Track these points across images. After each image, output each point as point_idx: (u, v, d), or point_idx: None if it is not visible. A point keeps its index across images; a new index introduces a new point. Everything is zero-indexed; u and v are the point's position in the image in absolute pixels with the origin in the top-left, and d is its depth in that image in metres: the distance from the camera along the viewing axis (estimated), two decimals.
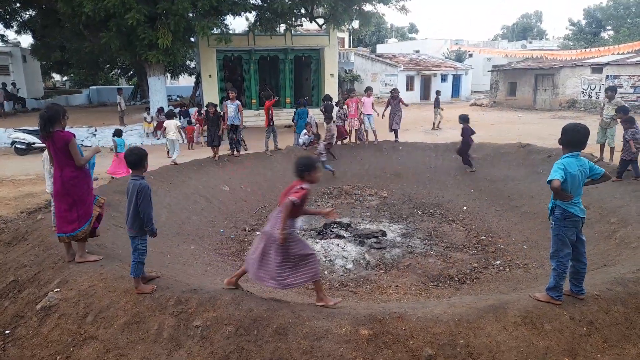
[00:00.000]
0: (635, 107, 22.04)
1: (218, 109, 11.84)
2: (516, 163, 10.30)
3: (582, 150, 3.78)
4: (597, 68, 24.81)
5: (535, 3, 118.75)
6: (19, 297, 4.23)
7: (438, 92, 21.09)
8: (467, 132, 10.53)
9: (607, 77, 24.18)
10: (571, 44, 44.92)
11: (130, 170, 4.23)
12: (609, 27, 45.77)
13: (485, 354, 3.39)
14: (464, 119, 10.67)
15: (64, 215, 4.60)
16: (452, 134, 15.88)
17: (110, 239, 5.63)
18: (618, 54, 24.40)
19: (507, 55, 31.56)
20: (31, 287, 4.32)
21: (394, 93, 12.94)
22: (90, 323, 3.78)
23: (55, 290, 4.15)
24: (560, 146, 3.84)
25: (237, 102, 11.11)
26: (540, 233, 7.14)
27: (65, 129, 4.68)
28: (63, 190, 4.57)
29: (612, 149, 9.41)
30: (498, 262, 6.69)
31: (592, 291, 3.96)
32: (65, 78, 46.61)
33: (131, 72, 37.12)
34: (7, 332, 3.87)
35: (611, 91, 9.65)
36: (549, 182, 3.57)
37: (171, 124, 10.53)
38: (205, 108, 12.25)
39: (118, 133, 11.11)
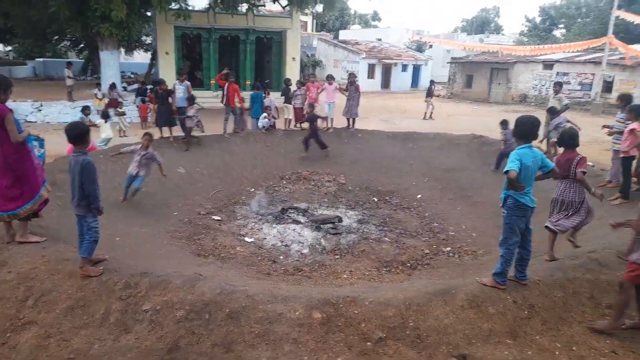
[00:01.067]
0: (581, 103, 23.25)
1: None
2: (469, 154, 10.63)
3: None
4: (548, 65, 25.87)
5: None
6: None
7: (432, 82, 21.04)
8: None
9: (557, 73, 25.28)
10: (526, 39, 46.59)
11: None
12: (562, 26, 47.78)
13: (433, 336, 3.51)
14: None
15: (5, 192, 4.33)
16: (439, 125, 16.17)
17: (55, 219, 5.37)
18: (568, 52, 25.52)
19: (465, 48, 32.28)
20: None
21: (351, 78, 12.76)
22: (30, 307, 3.60)
23: None
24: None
25: (187, 82, 10.69)
26: (488, 222, 7.43)
27: (6, 103, 4.37)
28: (5, 166, 4.30)
29: (555, 143, 9.88)
30: (448, 248, 6.91)
31: (534, 277, 4.18)
32: (9, 48, 43.55)
33: (82, 45, 35.17)
34: None
35: (558, 86, 10.16)
36: (506, 172, 3.67)
37: (106, 127, 10.12)
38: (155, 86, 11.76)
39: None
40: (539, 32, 47.90)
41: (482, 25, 63.80)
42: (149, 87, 16.85)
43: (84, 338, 3.33)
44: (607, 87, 23.08)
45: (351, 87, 12.43)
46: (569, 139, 4.85)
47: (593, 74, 23.60)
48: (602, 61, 22.00)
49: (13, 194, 4.34)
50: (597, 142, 12.41)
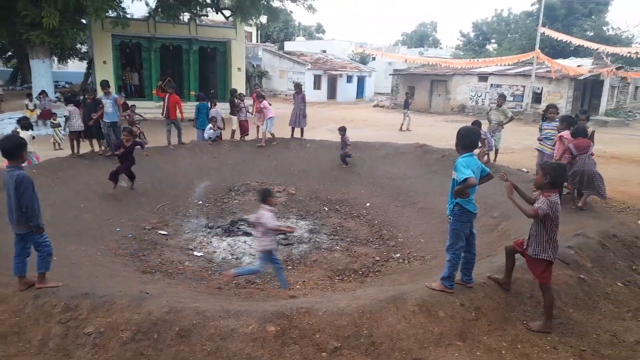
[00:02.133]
0: (515, 113, 24.69)
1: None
2: (413, 162, 10.97)
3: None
4: (483, 77, 27.38)
5: (431, 14, 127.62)
6: None
7: (407, 94, 21.48)
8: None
9: (492, 85, 26.80)
10: (462, 53, 49.10)
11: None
12: (493, 41, 50.84)
13: (386, 343, 3.56)
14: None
15: None
16: (387, 135, 16.43)
17: None
18: (501, 65, 27.15)
19: (406, 61, 33.44)
20: None
21: (297, 88, 12.78)
22: None
23: None
24: (455, 148, 4.14)
25: (114, 95, 9.98)
26: (434, 227, 7.68)
27: None
28: None
29: (496, 151, 10.45)
30: (398, 255, 7.07)
31: (479, 279, 4.36)
32: None
33: (9, 53, 32.98)
34: None
35: (501, 99, 10.75)
36: (465, 180, 3.76)
37: (26, 135, 9.36)
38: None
39: (28, 125, 9.64)
40: (473, 46, 50.72)
41: (421, 39, 66.59)
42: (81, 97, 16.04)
43: None
44: (537, 97, 24.78)
45: (297, 97, 12.48)
46: (583, 131, 6.89)
47: (524, 86, 25.23)
48: (531, 74, 23.58)
49: None
50: (530, 149, 13.23)
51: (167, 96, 11.11)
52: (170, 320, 3.45)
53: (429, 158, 10.89)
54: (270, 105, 12.13)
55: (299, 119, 12.51)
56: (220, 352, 3.28)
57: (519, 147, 14.69)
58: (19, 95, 21.00)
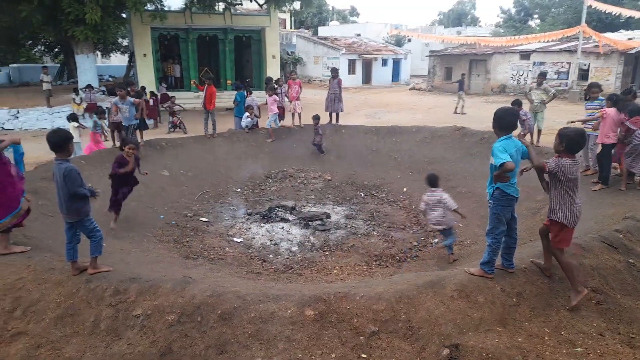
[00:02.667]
0: (559, 91, 23.61)
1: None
2: (452, 145, 10.74)
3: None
4: (525, 55, 26.26)
5: None
6: None
7: (463, 75, 21.12)
8: None
9: (534, 63, 25.69)
10: (502, 31, 47.21)
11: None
12: (536, 16, 48.54)
13: (425, 328, 3.55)
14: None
15: None
16: (423, 118, 16.23)
17: (38, 228, 5.27)
18: (544, 41, 25.95)
19: (443, 41, 32.57)
20: None
21: (333, 73, 12.67)
22: (18, 318, 3.53)
23: None
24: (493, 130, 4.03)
25: (130, 99, 9.61)
26: (474, 211, 7.53)
27: None
28: None
29: (539, 132, 10.07)
30: (436, 240, 6.98)
31: (521, 264, 4.26)
32: None
33: (57, 50, 34.45)
34: None
35: (541, 77, 10.32)
36: (502, 165, 3.69)
37: (73, 131, 9.87)
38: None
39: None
40: (515, 23, 48.61)
41: (458, 17, 64.44)
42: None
43: (75, 346, 3.29)
44: (583, 74, 23.55)
45: (333, 82, 12.40)
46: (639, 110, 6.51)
47: (569, 63, 24.04)
48: (577, 50, 22.42)
49: None
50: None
51: (205, 87, 11.33)
52: (213, 304, 3.58)
53: (467, 141, 10.63)
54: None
55: (334, 103, 12.44)
56: (261, 335, 3.38)
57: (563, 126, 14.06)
58: (66, 90, 21.96)
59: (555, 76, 24.53)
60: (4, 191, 4.30)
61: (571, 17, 34.87)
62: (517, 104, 9.77)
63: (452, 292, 3.90)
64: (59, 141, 3.85)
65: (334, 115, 12.64)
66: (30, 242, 4.72)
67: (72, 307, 3.61)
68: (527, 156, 3.98)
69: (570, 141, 3.84)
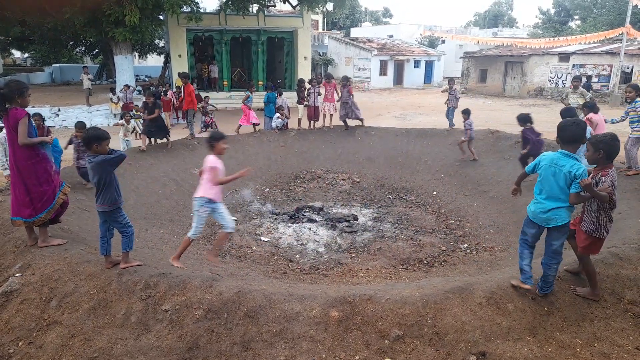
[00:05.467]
0: (599, 95, 22.80)
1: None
2: (485, 149, 10.51)
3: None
4: (564, 57, 25.44)
5: None
6: None
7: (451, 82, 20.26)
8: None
9: (574, 66, 24.86)
10: (540, 32, 45.87)
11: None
12: (577, 17, 46.94)
13: (451, 334, 3.49)
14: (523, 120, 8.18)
15: (20, 198, 4.42)
16: (509, 122, 16.01)
17: (75, 222, 5.47)
18: (584, 43, 25.06)
19: (478, 42, 31.90)
20: None
21: (345, 80, 12.31)
22: (54, 308, 3.68)
23: (16, 275, 4.02)
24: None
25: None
26: (506, 217, 7.35)
27: (26, 108, 4.47)
28: (17, 172, 4.39)
29: None
30: (465, 245, 6.86)
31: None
32: (26, 55, 44.44)
33: (96, 50, 35.72)
34: None
35: (577, 80, 10.00)
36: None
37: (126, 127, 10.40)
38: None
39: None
40: (554, 24, 47.16)
41: (495, 18, 63.05)
42: (163, 90, 17.02)
43: (107, 338, 3.40)
44: (626, 78, 22.62)
45: (344, 90, 12.05)
46: None
47: (610, 65, 23.15)
48: (620, 52, 21.55)
49: (26, 201, 4.42)
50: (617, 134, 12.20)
51: (183, 86, 11.65)
52: (239, 301, 3.63)
53: (501, 145, 10.38)
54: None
55: (350, 111, 12.04)
56: (286, 334, 3.40)
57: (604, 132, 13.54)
58: (105, 89, 22.74)
59: (596, 79, 23.66)
60: (41, 187, 4.47)
61: (614, 18, 33.56)
62: (466, 112, 9.99)
63: (480, 299, 3.81)
64: (85, 139, 4.00)
65: (348, 122, 12.44)
66: (68, 236, 4.90)
67: (105, 299, 3.74)
68: (576, 185, 3.54)
69: (609, 148, 3.66)
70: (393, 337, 3.41)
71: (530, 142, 7.89)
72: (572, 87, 9.97)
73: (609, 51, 23.60)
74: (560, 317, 3.72)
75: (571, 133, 3.59)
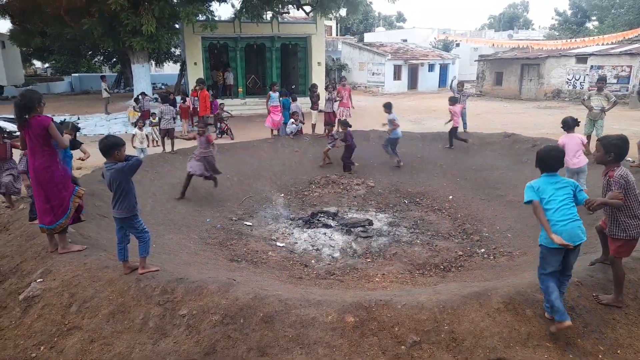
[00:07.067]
0: (618, 97, 22.32)
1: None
2: (501, 152, 10.41)
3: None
4: (581, 58, 25.05)
5: None
6: (0, 288, 4.16)
7: (453, 80, 20.59)
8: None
9: (592, 67, 24.45)
10: (557, 34, 45.28)
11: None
12: (594, 18, 46.22)
13: (468, 340, 3.45)
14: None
15: (42, 206, 4.52)
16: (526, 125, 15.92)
17: (94, 228, 5.57)
18: (602, 44, 24.65)
19: (493, 45, 31.66)
20: (13, 278, 4.26)
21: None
22: (74, 313, 3.74)
23: (38, 281, 4.10)
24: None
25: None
26: (524, 221, 7.24)
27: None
28: (37, 180, 4.48)
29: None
30: (483, 250, 6.77)
31: (574, 278, 4.05)
32: (47, 65, 45.56)
33: (114, 60, 36.44)
34: None
35: (601, 82, 9.81)
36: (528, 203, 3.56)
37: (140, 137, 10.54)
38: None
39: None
40: (571, 25, 46.49)
41: (510, 21, 62.45)
42: (178, 98, 17.25)
43: (125, 342, 3.44)
44: None
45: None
46: None
47: (630, 66, 22.70)
48: None
49: (47, 208, 4.51)
50: (637, 136, 11.94)
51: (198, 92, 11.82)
52: (255, 307, 3.64)
53: (518, 148, 10.27)
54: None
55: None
56: (302, 339, 3.40)
57: (625, 135, 13.26)
58: (122, 97, 23.17)
59: (615, 80, 23.22)
60: (60, 193, 4.56)
61: (633, 18, 32.98)
62: (388, 106, 10.65)
63: (498, 305, 3.76)
64: (105, 147, 4.06)
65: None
66: (87, 242, 4.99)
67: (123, 304, 3.79)
68: (582, 198, 3.56)
69: (620, 149, 3.68)
70: (410, 343, 3.39)
71: None
72: (597, 89, 9.77)
73: (629, 52, 23.15)
74: (581, 323, 3.65)
75: (548, 160, 3.57)
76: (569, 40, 26.89)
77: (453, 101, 11.21)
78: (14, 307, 3.85)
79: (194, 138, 8.51)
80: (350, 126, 10.74)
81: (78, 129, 5.34)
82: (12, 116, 14.52)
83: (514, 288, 3.93)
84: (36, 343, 3.48)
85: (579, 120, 7.12)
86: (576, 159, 6.78)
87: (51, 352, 3.38)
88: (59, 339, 3.50)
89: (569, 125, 6.91)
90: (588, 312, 3.75)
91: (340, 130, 11.00)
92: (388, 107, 10.61)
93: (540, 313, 3.70)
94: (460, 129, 11.60)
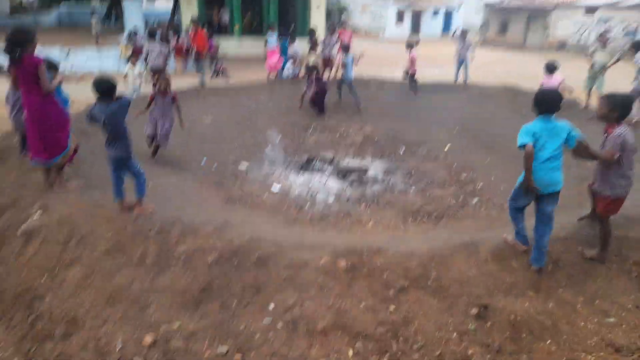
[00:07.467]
0: (625, 52, 21.79)
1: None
2: (501, 105, 10.31)
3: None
4: (591, 9, 24.25)
5: None
6: None
7: (457, 32, 20.09)
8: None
9: (599, 19, 23.73)
10: None
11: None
12: None
13: (454, 287, 3.59)
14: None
15: (35, 143, 4.48)
16: (528, 77, 15.64)
17: (87, 168, 5.55)
18: None
19: None
20: (11, 211, 4.28)
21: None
22: (73, 247, 3.81)
23: (36, 214, 4.14)
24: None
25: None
26: (519, 174, 7.28)
27: (36, 50, 4.42)
28: (32, 118, 4.41)
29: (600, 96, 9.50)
30: (476, 199, 6.87)
31: (561, 233, 4.17)
32: None
33: None
34: None
35: (604, 36, 9.55)
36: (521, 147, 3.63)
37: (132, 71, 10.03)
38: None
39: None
40: None
41: None
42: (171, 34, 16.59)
43: (124, 276, 3.54)
44: None
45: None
46: None
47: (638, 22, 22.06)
48: None
49: (41, 145, 4.48)
50: None
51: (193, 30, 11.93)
52: (250, 248, 3.74)
53: (519, 100, 10.15)
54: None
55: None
56: (295, 280, 3.52)
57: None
58: (113, 32, 22.33)
59: (622, 33, 22.63)
60: (56, 132, 4.52)
61: None
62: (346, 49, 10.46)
63: (486, 255, 3.89)
64: (107, 88, 3.98)
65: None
66: (83, 179, 5.00)
67: (121, 242, 3.86)
68: (574, 140, 3.65)
69: (624, 109, 3.64)
70: (398, 288, 3.52)
71: None
72: (600, 43, 9.51)
73: None
74: (564, 275, 3.79)
75: (544, 101, 3.67)
76: None
77: (410, 47, 11.27)
78: (13, 240, 3.90)
79: (152, 99, 6.78)
80: (316, 70, 10.44)
81: (57, 68, 5.14)
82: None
83: (502, 240, 4.05)
84: (38, 274, 3.57)
85: (557, 65, 8.51)
86: None
87: (53, 282, 3.48)
88: (60, 270, 3.59)
89: (549, 69, 8.49)
90: (572, 265, 3.89)
91: (305, 73, 10.61)
92: (346, 49, 10.62)
93: (525, 265, 3.83)
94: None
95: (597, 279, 3.77)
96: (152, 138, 6.94)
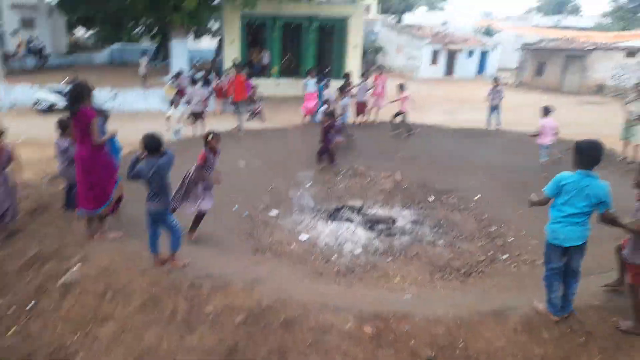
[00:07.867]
0: None
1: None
2: (536, 152, 10.13)
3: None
4: (632, 52, 23.78)
5: None
6: (41, 271, 4.43)
7: None
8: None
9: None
10: (609, 21, 42.84)
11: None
12: None
13: (482, 357, 3.52)
14: None
15: (84, 193, 4.77)
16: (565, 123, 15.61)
17: (129, 216, 5.81)
18: None
19: (539, 33, 30.37)
20: (53, 261, 4.53)
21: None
22: (108, 301, 3.98)
23: (76, 266, 4.37)
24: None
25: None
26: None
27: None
28: (82, 168, 4.72)
29: (637, 147, 9.25)
30: (506, 256, 6.74)
31: (594, 301, 4.04)
32: (88, 35, 46.48)
33: (155, 32, 36.83)
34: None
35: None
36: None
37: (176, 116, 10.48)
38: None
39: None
40: (625, 12, 43.83)
41: (559, 5, 59.43)
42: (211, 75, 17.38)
43: (154, 334, 3.66)
44: None
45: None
46: None
47: None
48: None
49: (89, 195, 4.76)
50: None
51: (233, 75, 12.32)
52: (277, 309, 3.81)
53: (555, 148, 9.96)
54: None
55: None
56: (319, 345, 3.55)
57: None
58: (159, 72, 23.54)
59: None
60: (104, 182, 4.80)
61: None
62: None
63: (515, 325, 3.81)
64: (157, 145, 4.25)
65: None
66: (122, 228, 5.25)
67: (154, 296, 4.02)
68: (603, 209, 3.61)
69: None
70: (425, 358, 3.48)
71: None
72: (637, 93, 9.31)
73: None
74: (597, 348, 3.65)
75: (584, 155, 3.67)
76: (619, 32, 25.50)
77: (402, 88, 11.67)
78: (53, 291, 4.11)
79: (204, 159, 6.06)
80: (334, 117, 10.18)
81: (107, 116, 5.67)
82: (59, 89, 15.04)
83: (532, 308, 3.96)
84: (73, 329, 3.74)
85: (551, 108, 9.25)
86: (552, 137, 9.17)
87: (86, 338, 3.64)
88: (93, 326, 3.76)
89: (546, 112, 9.19)
90: (605, 337, 3.74)
91: (323, 119, 10.22)
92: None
93: (557, 336, 3.72)
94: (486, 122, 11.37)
95: (631, 352, 3.61)
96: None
